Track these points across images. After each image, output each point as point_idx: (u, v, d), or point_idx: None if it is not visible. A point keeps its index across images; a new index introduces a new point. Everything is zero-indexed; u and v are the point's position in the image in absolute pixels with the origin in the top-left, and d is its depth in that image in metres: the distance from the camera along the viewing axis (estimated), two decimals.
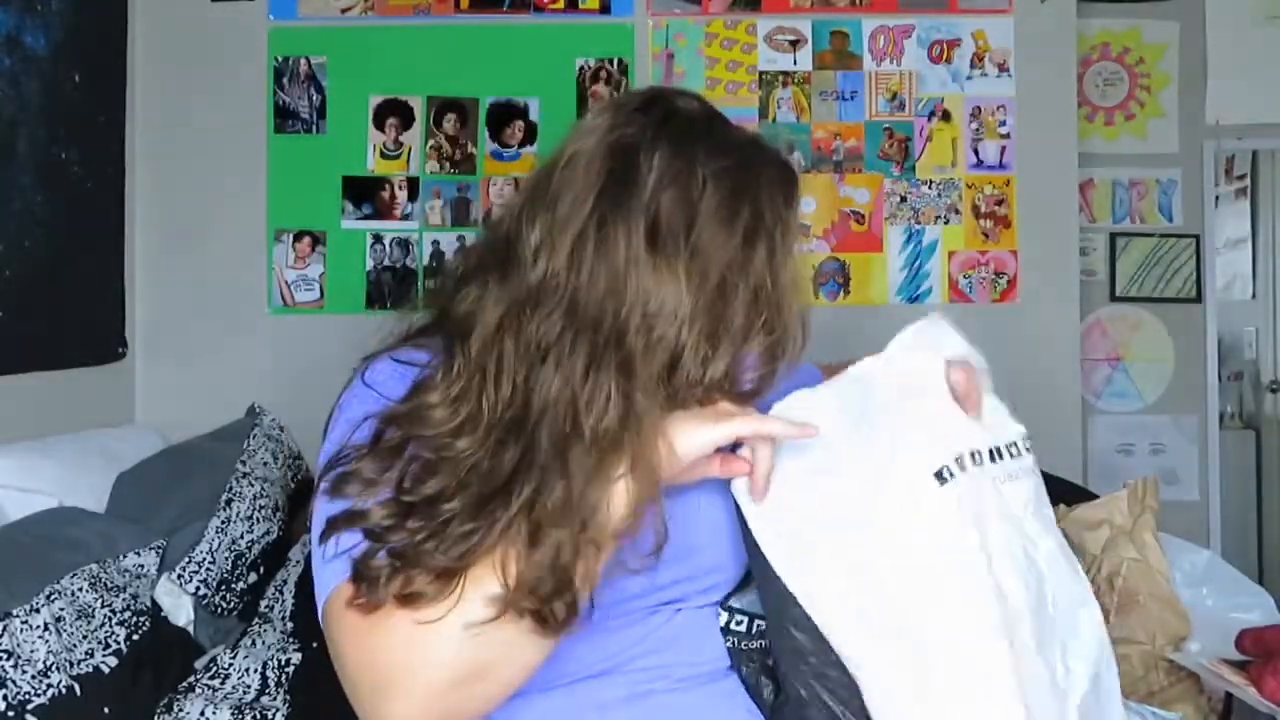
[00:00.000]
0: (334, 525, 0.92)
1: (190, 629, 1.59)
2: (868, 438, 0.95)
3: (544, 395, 0.92)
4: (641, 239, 0.93)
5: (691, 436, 0.92)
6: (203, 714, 1.41)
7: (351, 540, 0.91)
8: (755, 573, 1.00)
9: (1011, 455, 0.96)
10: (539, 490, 0.90)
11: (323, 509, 0.95)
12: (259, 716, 1.43)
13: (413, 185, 2.46)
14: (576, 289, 0.93)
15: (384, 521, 0.91)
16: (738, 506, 0.98)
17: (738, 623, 1.05)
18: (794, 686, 0.97)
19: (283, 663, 1.53)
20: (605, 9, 2.48)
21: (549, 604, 0.87)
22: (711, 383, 0.95)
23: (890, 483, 0.92)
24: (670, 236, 0.94)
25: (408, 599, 0.86)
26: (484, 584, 0.87)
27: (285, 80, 2.45)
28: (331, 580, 0.91)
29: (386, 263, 2.45)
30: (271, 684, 1.50)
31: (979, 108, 2.50)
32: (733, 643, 1.06)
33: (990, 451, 0.94)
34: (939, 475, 0.91)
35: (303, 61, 2.45)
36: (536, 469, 0.91)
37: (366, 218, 2.45)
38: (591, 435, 0.90)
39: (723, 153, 0.99)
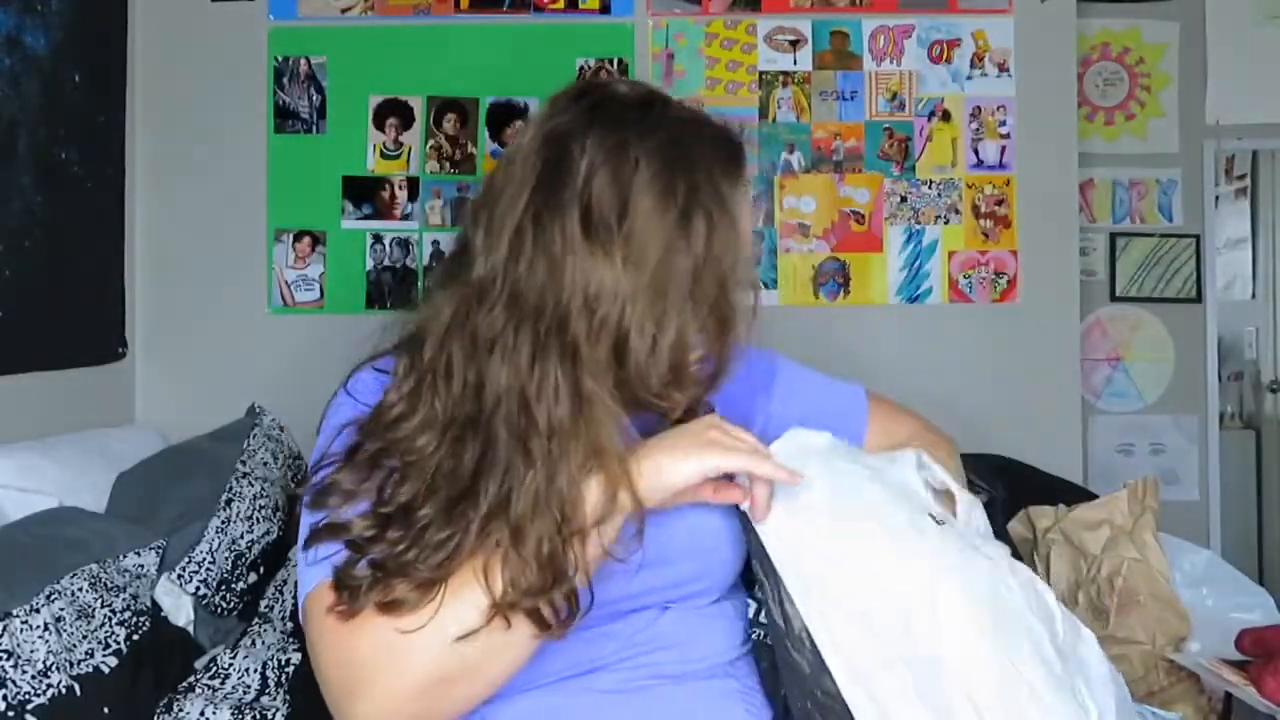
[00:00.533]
0: (316, 536, 0.93)
1: (190, 629, 1.59)
2: (868, 477, 0.96)
3: (495, 390, 0.93)
4: (576, 226, 0.93)
5: (678, 468, 0.91)
6: (203, 714, 1.41)
7: (332, 549, 0.92)
8: (764, 589, 1.00)
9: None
10: (509, 486, 0.90)
11: (306, 520, 0.96)
12: (259, 716, 1.43)
13: (413, 185, 2.46)
14: (517, 281, 0.94)
15: (364, 533, 0.92)
16: (748, 523, 0.97)
17: (767, 614, 1.05)
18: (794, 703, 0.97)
19: (283, 663, 1.53)
20: (605, 9, 2.48)
21: (546, 597, 0.87)
22: (663, 366, 0.94)
23: (893, 519, 0.93)
24: (604, 221, 0.93)
25: (388, 606, 0.87)
26: (465, 592, 0.88)
27: (285, 80, 2.45)
28: (311, 581, 0.93)
29: (386, 263, 2.45)
30: (271, 684, 1.50)
31: (979, 108, 2.50)
32: (759, 634, 1.05)
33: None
34: (933, 517, 0.93)
35: (303, 61, 2.45)
36: (500, 465, 0.91)
37: (366, 218, 2.45)
38: (547, 425, 0.90)
39: (655, 132, 0.98)
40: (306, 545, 0.94)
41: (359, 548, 0.91)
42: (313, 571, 0.93)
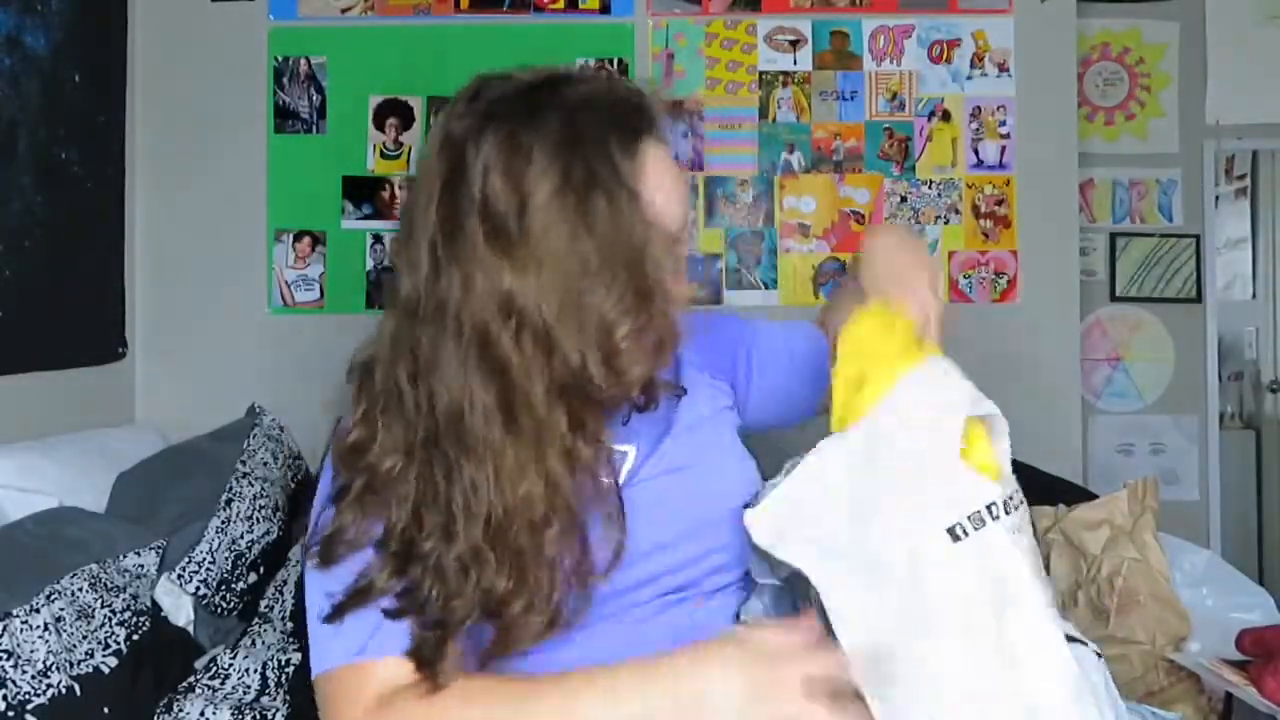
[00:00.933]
0: (342, 609, 0.92)
1: (190, 629, 1.59)
2: (885, 492, 0.95)
3: (440, 409, 0.92)
4: (479, 234, 0.91)
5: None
6: (203, 714, 1.41)
7: (368, 620, 0.91)
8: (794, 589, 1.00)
9: (1016, 508, 0.96)
10: (467, 503, 0.90)
11: (317, 582, 0.94)
12: (259, 716, 1.43)
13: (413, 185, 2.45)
14: (438, 296, 0.92)
15: (389, 584, 0.91)
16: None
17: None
18: None
19: (283, 663, 1.53)
20: (605, 9, 2.48)
21: (515, 611, 0.88)
22: (596, 356, 0.92)
23: (904, 539, 0.92)
24: (504, 223, 0.91)
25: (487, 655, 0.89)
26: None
27: (285, 80, 2.45)
28: (343, 658, 0.91)
29: (387, 263, 2.45)
30: (271, 684, 1.50)
31: (979, 108, 2.50)
32: None
33: (1003, 503, 0.94)
34: (951, 532, 0.92)
35: (303, 61, 2.45)
36: (460, 483, 0.91)
37: (366, 218, 2.45)
38: (480, 440, 0.90)
39: (547, 116, 0.93)
40: (331, 618, 0.92)
41: (398, 611, 0.90)
42: (336, 648, 0.92)
